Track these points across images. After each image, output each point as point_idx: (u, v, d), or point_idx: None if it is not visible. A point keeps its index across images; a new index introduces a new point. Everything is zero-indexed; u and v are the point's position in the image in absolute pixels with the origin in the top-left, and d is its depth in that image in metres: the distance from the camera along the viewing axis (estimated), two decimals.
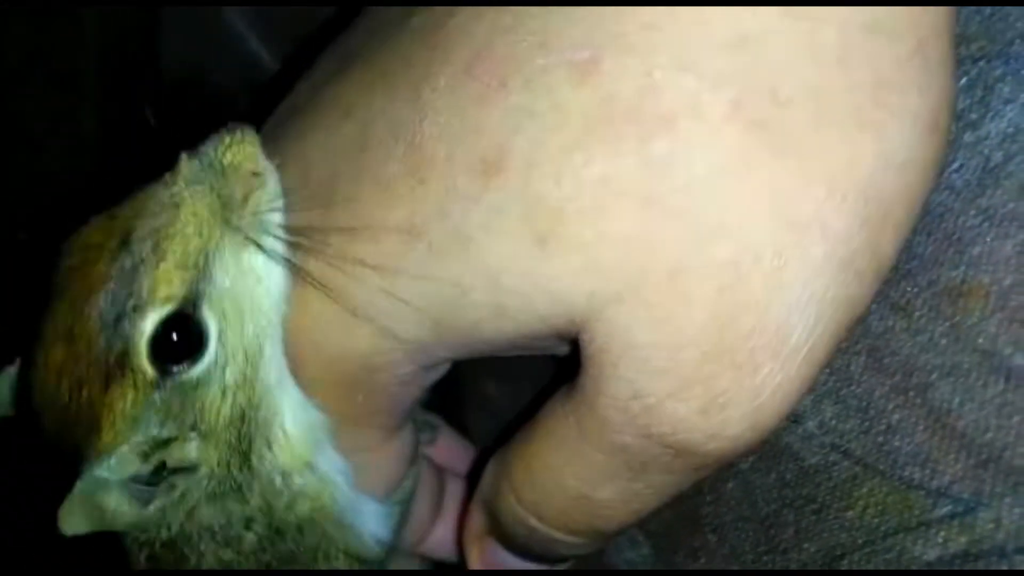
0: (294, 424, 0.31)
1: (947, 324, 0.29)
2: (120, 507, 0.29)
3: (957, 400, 0.29)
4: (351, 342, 0.29)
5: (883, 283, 0.31)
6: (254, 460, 0.31)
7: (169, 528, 0.32)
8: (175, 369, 0.28)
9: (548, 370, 0.36)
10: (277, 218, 0.29)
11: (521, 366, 0.36)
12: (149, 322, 0.28)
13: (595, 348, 0.26)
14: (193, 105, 0.60)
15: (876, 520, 0.31)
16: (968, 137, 0.31)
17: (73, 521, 0.28)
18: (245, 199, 0.29)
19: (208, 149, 0.29)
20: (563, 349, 0.31)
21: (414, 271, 0.27)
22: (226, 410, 0.30)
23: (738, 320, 0.24)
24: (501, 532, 0.34)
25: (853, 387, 0.31)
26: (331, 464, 0.33)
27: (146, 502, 0.30)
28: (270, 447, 0.31)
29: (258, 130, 0.32)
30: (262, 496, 0.31)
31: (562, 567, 0.37)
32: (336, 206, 0.28)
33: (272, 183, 0.29)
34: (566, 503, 0.30)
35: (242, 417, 0.30)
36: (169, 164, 0.30)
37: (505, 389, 0.47)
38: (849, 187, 0.24)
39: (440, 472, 0.42)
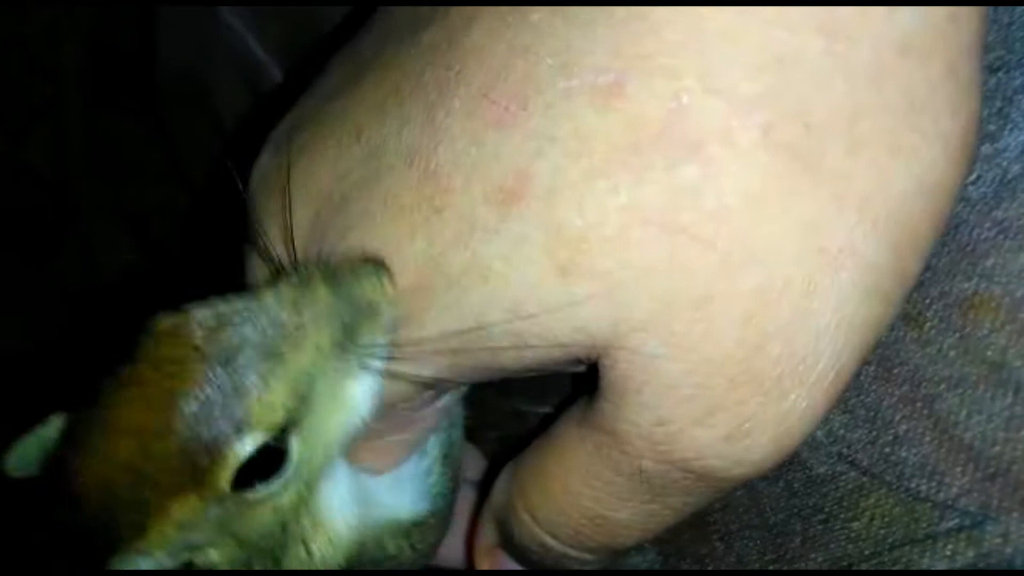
0: (346, 528, 0.31)
1: (957, 336, 0.29)
2: None
3: (965, 412, 0.28)
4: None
5: None
6: (284, 561, 0.30)
7: None
8: (248, 489, 0.27)
9: (566, 385, 0.36)
10: (382, 348, 0.28)
11: (538, 383, 0.36)
12: (247, 446, 0.26)
13: (617, 374, 0.25)
14: (188, 103, 0.61)
15: (883, 531, 0.30)
16: (986, 149, 0.30)
17: None
18: (364, 332, 0.27)
19: (347, 284, 0.27)
20: (579, 368, 0.30)
21: (435, 308, 0.26)
22: (268, 524, 0.29)
23: (765, 348, 0.24)
24: (513, 547, 0.33)
25: (862, 396, 0.31)
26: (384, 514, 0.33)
27: None
28: (309, 552, 0.31)
29: (264, 138, 0.32)
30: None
31: None
32: (350, 239, 0.27)
33: (390, 316, 0.27)
34: (582, 524, 0.29)
35: (283, 529, 0.29)
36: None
37: (521, 406, 0.47)
38: (880, 213, 0.24)
39: None
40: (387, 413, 0.30)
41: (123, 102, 0.68)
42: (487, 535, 0.34)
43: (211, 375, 0.26)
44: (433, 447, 0.35)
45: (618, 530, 0.29)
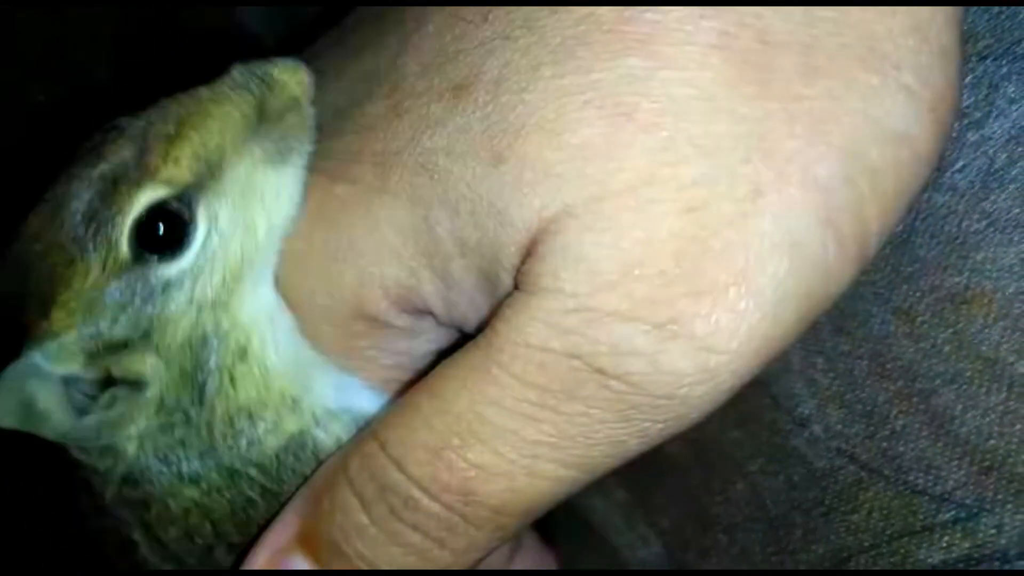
0: (279, 360, 0.29)
1: (950, 331, 0.29)
2: (52, 407, 0.27)
3: (960, 407, 0.29)
4: (340, 279, 0.28)
5: (884, 286, 0.31)
6: (208, 394, 0.28)
7: (119, 457, 0.29)
8: (151, 259, 0.27)
9: None
10: (306, 145, 0.28)
11: None
12: (143, 198, 0.26)
13: (535, 259, 0.24)
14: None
15: (881, 524, 0.31)
16: (972, 136, 0.30)
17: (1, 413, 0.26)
18: (281, 118, 0.28)
19: (262, 64, 0.28)
20: None
21: (387, 205, 0.26)
22: (186, 326, 0.28)
23: (704, 244, 0.23)
24: (324, 523, 0.27)
25: (857, 392, 0.31)
26: (329, 388, 0.30)
27: (82, 412, 0.28)
28: (233, 382, 0.28)
29: None
30: (224, 431, 0.29)
31: None
32: (327, 158, 0.28)
33: (310, 113, 0.28)
34: (445, 438, 0.25)
35: (203, 341, 0.28)
36: None
37: None
38: (833, 138, 0.23)
39: None
40: (380, 338, 0.29)
41: (151, 104, 0.69)
42: (282, 527, 0.29)
43: (130, 143, 0.27)
44: None
45: (488, 456, 0.25)
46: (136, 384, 0.28)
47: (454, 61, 0.26)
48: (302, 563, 0.28)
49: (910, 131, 0.24)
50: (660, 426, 0.24)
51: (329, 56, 0.31)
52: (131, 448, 0.29)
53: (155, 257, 0.27)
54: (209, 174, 0.27)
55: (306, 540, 0.28)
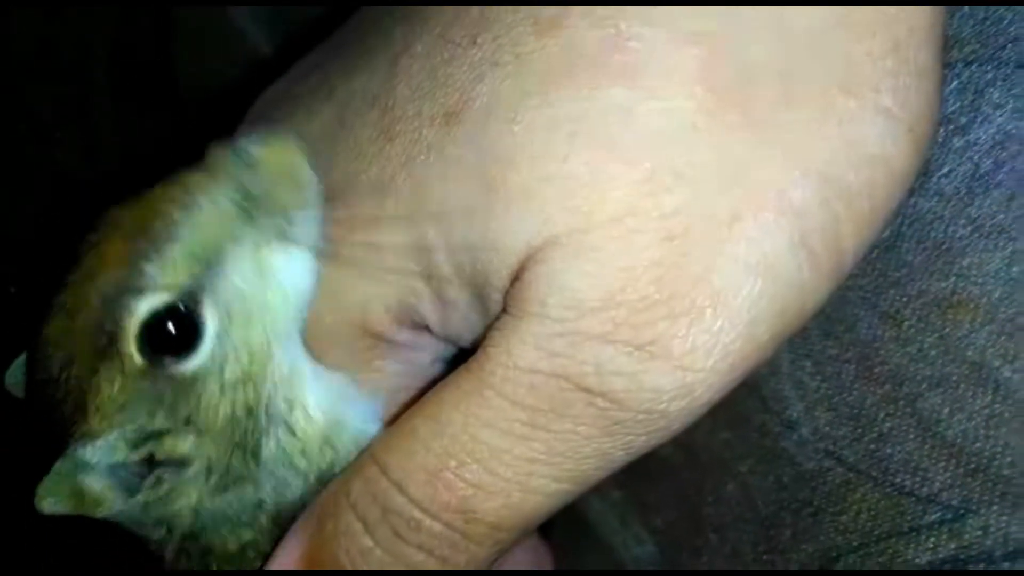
0: (318, 408, 0.30)
1: (936, 335, 0.30)
2: (103, 493, 0.28)
3: (947, 410, 0.29)
4: (345, 301, 0.29)
5: (871, 291, 0.32)
6: (265, 452, 0.30)
7: (175, 526, 0.31)
8: (167, 361, 0.27)
9: None
10: (309, 215, 0.28)
11: None
12: (144, 307, 0.27)
13: (523, 285, 0.25)
14: (208, 104, 0.61)
15: (869, 524, 0.32)
16: (957, 142, 0.31)
17: (50, 501, 0.28)
18: (273, 196, 0.28)
19: (242, 142, 0.28)
20: None
21: (386, 230, 0.27)
22: (226, 408, 0.29)
23: (682, 269, 0.24)
24: (329, 546, 0.28)
25: (844, 395, 0.32)
26: (357, 420, 0.31)
27: (132, 492, 0.29)
28: (293, 434, 0.30)
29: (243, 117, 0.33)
30: (275, 479, 0.31)
31: None
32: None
33: (312, 189, 0.28)
34: (443, 460, 0.26)
35: (248, 414, 0.29)
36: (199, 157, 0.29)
37: None
38: (810, 164, 0.24)
39: None
40: (388, 353, 0.30)
41: (150, 104, 0.68)
42: (288, 551, 0.29)
43: (129, 247, 0.27)
44: None
45: (484, 476, 0.26)
46: (181, 462, 0.29)
47: (444, 86, 0.26)
48: None
49: (887, 152, 0.24)
50: (643, 438, 0.25)
51: (320, 72, 0.31)
52: (187, 517, 0.31)
53: (171, 358, 0.27)
54: (209, 269, 0.27)
55: (311, 561, 0.28)
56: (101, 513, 0.29)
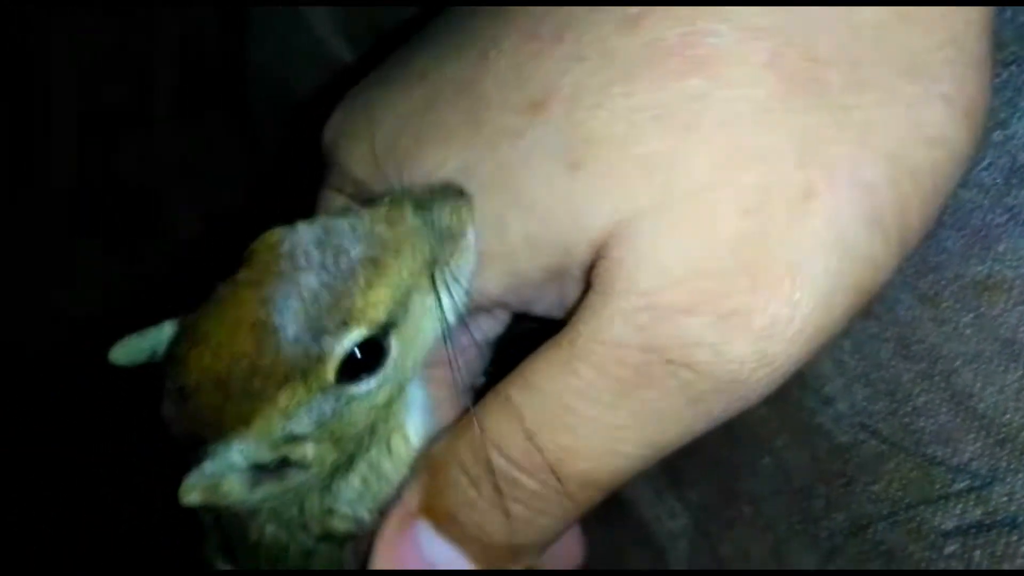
0: (416, 434, 0.34)
1: (972, 315, 0.32)
2: (233, 489, 0.31)
3: (979, 384, 0.31)
4: None
5: (912, 275, 0.34)
6: (360, 464, 0.33)
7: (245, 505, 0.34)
8: (349, 383, 0.31)
9: None
10: (467, 273, 0.31)
11: None
12: (351, 339, 0.30)
13: (610, 262, 0.27)
14: (277, 111, 0.63)
15: (900, 493, 0.33)
16: (997, 136, 0.33)
17: (193, 495, 0.30)
18: (450, 256, 0.31)
19: (433, 208, 0.30)
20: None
21: (473, 222, 0.29)
22: (362, 422, 0.32)
23: (761, 242, 0.25)
24: (441, 494, 0.31)
25: (882, 372, 0.34)
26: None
27: (254, 486, 0.32)
28: (390, 453, 0.34)
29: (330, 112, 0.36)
30: (351, 493, 0.34)
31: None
32: (412, 164, 0.31)
33: (474, 252, 0.31)
34: (536, 427, 0.28)
35: (372, 430, 0.33)
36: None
37: None
38: (880, 143, 0.25)
39: None
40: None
41: (211, 111, 0.71)
42: (408, 497, 0.32)
43: (321, 276, 0.30)
44: None
45: (574, 440, 0.28)
46: (304, 465, 0.32)
47: (531, 79, 0.28)
48: (426, 527, 0.31)
49: (947, 134, 0.26)
50: (723, 408, 0.27)
51: (413, 60, 0.33)
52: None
53: (354, 381, 0.31)
54: (400, 308, 0.31)
55: (428, 509, 0.31)
56: (224, 503, 0.32)
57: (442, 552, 0.31)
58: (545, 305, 0.32)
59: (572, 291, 0.30)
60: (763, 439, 0.38)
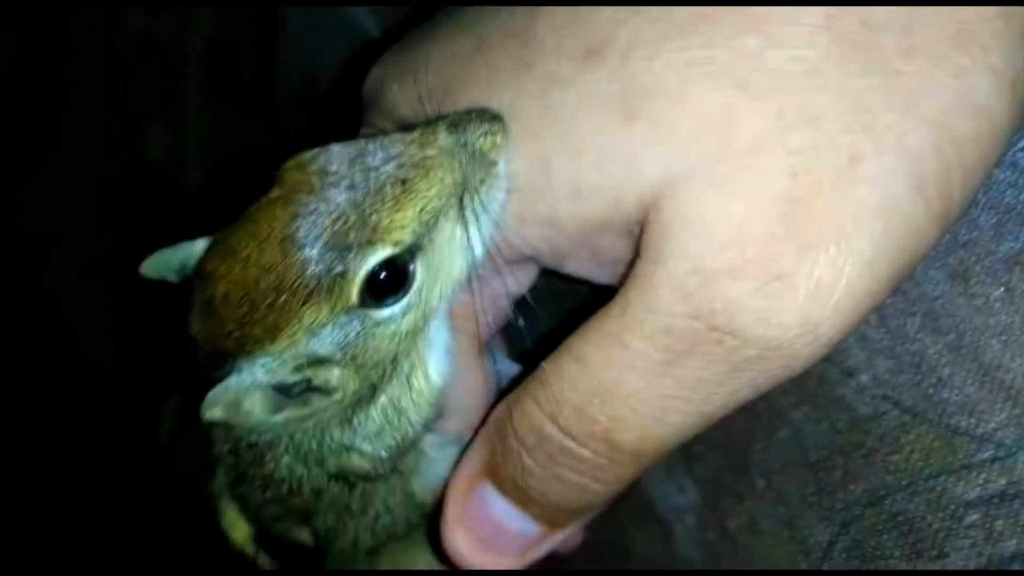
0: (435, 373, 0.34)
1: (1003, 289, 0.32)
2: (255, 408, 0.31)
3: (1008, 356, 0.31)
4: None
5: (942, 251, 0.34)
6: (381, 398, 0.33)
7: (266, 433, 0.34)
8: (373, 303, 0.31)
9: None
10: (497, 207, 0.31)
11: None
12: (375, 257, 0.30)
13: (658, 225, 0.27)
14: (305, 103, 0.62)
15: (920, 463, 0.33)
16: None
17: (215, 409, 0.30)
18: (481, 183, 0.31)
19: (468, 129, 0.30)
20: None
21: (511, 150, 0.29)
22: (386, 351, 0.32)
23: (807, 206, 0.25)
24: (502, 461, 0.32)
25: (907, 345, 0.34)
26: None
27: (275, 410, 0.32)
28: (410, 390, 0.34)
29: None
30: (373, 426, 0.34)
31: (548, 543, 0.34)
32: (455, 102, 0.31)
33: (505, 179, 0.31)
34: (588, 397, 0.29)
35: (394, 360, 0.33)
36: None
37: None
38: (926, 111, 0.26)
39: None
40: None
41: (240, 100, 0.71)
42: (474, 459, 0.33)
43: (349, 194, 0.30)
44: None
45: (624, 410, 0.28)
46: (327, 390, 0.32)
47: (586, 27, 0.29)
48: (491, 488, 0.32)
49: (991, 105, 0.27)
50: (768, 376, 0.27)
51: (456, 16, 0.34)
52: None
53: (376, 302, 0.31)
54: (427, 232, 0.31)
55: (489, 470, 0.32)
56: (244, 422, 0.32)
57: (507, 512, 0.32)
58: (577, 263, 0.32)
59: (608, 250, 0.31)
60: (781, 411, 0.38)
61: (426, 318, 0.32)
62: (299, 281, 0.30)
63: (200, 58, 0.76)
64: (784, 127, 0.26)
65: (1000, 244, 0.33)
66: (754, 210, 0.26)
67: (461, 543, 0.33)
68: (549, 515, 0.32)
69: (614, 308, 0.28)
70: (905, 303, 0.34)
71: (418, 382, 0.34)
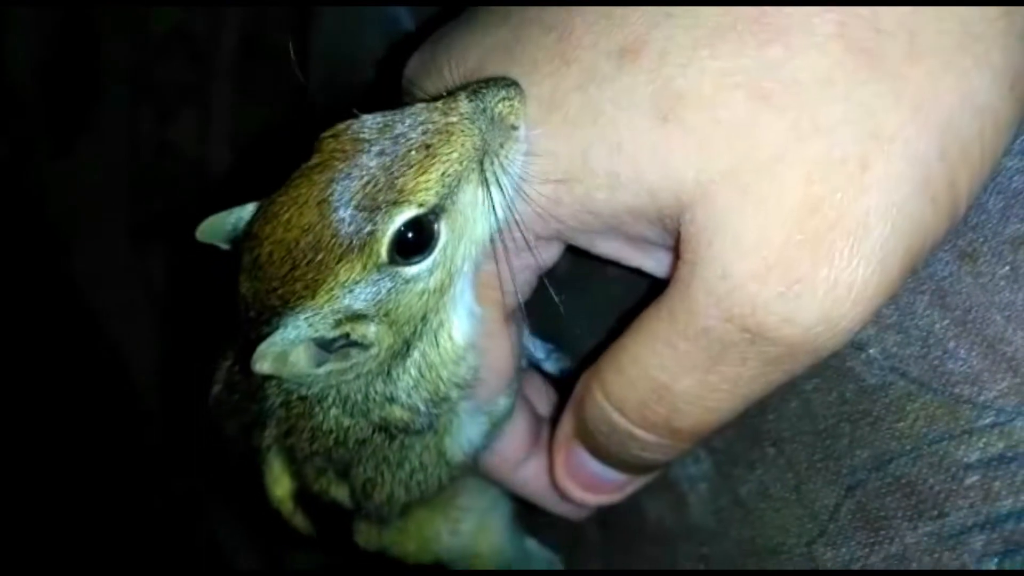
0: (460, 333, 0.37)
1: (1008, 267, 0.34)
2: (300, 361, 0.34)
3: (1011, 329, 0.33)
4: None
5: (952, 234, 0.36)
6: (414, 353, 0.36)
7: (315, 387, 0.36)
8: (401, 261, 0.33)
9: None
10: (515, 168, 0.33)
11: None
12: (402, 217, 0.32)
13: (695, 229, 0.29)
14: (337, 97, 0.64)
15: (924, 429, 0.35)
16: None
17: (266, 362, 0.33)
18: (500, 147, 0.33)
19: (486, 96, 0.33)
20: (648, 263, 0.35)
21: (547, 137, 0.32)
22: (416, 307, 0.35)
23: (822, 211, 0.28)
24: (586, 434, 0.37)
25: (916, 320, 0.36)
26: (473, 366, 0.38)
27: (319, 363, 0.34)
28: (437, 346, 0.37)
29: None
30: (408, 380, 0.37)
31: (637, 483, 0.40)
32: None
33: (524, 144, 0.33)
34: (647, 395, 0.33)
35: (423, 318, 0.35)
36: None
37: None
38: (932, 114, 0.28)
39: (536, 411, 0.45)
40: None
41: (270, 93, 0.72)
42: (566, 426, 0.39)
43: (377, 160, 0.33)
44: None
45: (678, 403, 0.32)
46: (364, 345, 0.35)
47: (621, 26, 0.30)
48: (582, 448, 0.38)
49: (994, 104, 0.28)
50: (799, 364, 0.31)
51: (497, 7, 0.35)
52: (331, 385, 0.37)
53: (404, 260, 0.33)
54: (450, 194, 0.33)
55: (579, 438, 0.38)
56: (290, 375, 0.35)
57: (597, 467, 0.38)
58: (607, 247, 0.35)
59: (640, 234, 0.33)
60: (794, 383, 0.40)
61: (452, 277, 0.35)
62: (334, 240, 0.32)
63: (233, 51, 0.78)
64: (800, 137, 0.28)
65: (1007, 226, 0.35)
66: (774, 217, 0.28)
67: (572, 489, 0.39)
68: (632, 471, 0.39)
69: (662, 310, 0.32)
70: (915, 282, 0.37)
71: (444, 340, 0.37)
